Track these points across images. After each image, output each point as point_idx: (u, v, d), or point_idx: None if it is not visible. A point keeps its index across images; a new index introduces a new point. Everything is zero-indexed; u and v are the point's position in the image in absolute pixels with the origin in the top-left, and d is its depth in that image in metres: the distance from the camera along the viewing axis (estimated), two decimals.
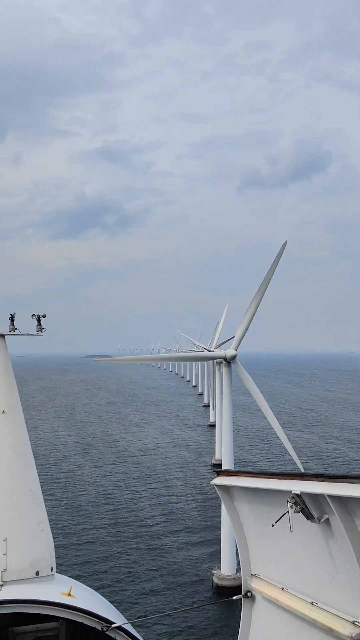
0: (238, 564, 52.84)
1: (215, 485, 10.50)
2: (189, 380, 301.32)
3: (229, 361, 57.20)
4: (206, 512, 74.71)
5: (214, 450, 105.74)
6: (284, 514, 8.45)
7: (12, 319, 14.72)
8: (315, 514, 8.25)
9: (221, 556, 53.92)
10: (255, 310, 53.73)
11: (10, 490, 13.44)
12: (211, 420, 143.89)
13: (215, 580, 52.84)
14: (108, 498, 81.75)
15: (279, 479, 8.88)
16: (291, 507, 8.29)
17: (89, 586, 16.02)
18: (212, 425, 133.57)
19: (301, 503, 8.22)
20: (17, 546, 12.97)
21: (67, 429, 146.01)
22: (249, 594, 10.34)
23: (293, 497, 8.26)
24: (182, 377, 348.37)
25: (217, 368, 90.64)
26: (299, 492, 8.19)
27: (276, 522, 8.78)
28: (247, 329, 55.24)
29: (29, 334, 14.93)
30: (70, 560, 58.01)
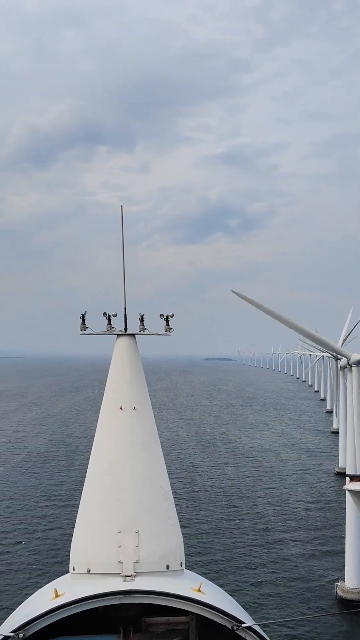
0: None
1: (349, 490, 10.11)
2: (311, 385, 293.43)
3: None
4: (326, 517, 72.57)
5: (337, 457, 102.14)
6: None
7: (141, 319, 15.20)
8: None
9: (345, 567, 51.86)
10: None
11: (141, 484, 13.77)
12: (334, 426, 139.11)
13: (339, 592, 50.89)
14: (226, 495, 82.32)
15: None
16: None
17: (212, 580, 16.11)
18: (336, 432, 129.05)
19: None
20: (148, 539, 13.20)
21: (187, 428, 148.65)
22: None
23: None
24: (304, 381, 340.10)
25: (341, 373, 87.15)
26: None
27: None
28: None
29: (157, 334, 15.32)
30: (188, 551, 59.21)
